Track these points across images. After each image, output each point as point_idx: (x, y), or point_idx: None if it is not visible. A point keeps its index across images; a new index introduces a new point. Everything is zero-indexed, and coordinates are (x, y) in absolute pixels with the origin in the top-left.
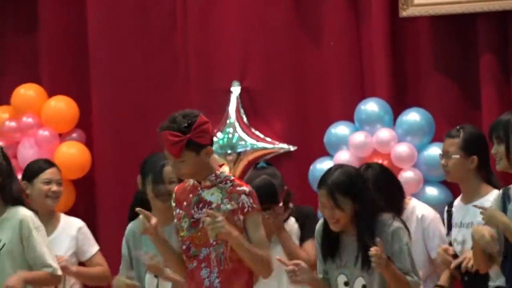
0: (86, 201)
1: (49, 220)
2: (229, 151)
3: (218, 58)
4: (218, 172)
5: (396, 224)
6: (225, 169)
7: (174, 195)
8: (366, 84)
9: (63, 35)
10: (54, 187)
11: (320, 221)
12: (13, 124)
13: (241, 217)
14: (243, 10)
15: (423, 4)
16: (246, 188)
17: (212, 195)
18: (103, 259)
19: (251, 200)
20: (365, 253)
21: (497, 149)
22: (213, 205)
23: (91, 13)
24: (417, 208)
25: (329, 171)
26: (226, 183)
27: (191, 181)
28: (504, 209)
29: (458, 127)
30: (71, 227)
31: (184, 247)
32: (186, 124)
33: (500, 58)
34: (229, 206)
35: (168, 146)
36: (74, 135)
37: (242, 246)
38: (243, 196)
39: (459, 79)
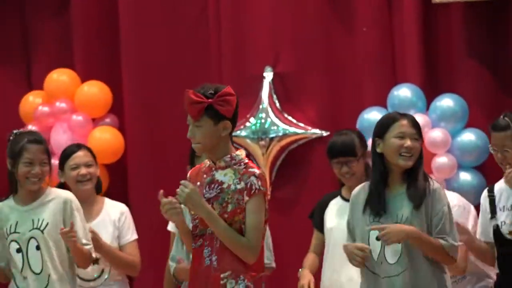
0: (119, 185)
1: (91, 205)
2: (261, 136)
3: (250, 44)
4: (234, 154)
5: (436, 184)
6: (242, 153)
7: (188, 176)
8: (399, 69)
9: (95, 20)
10: (82, 171)
11: (361, 186)
12: (46, 109)
13: (246, 198)
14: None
15: None
16: (257, 170)
17: (225, 176)
18: (137, 250)
19: (260, 183)
20: (414, 201)
21: None
22: (224, 185)
23: None
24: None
25: (394, 112)
26: (240, 165)
27: (207, 163)
28: None
29: (502, 117)
30: (114, 212)
31: (191, 225)
32: (211, 91)
33: None
34: (238, 186)
35: (188, 105)
36: (107, 120)
37: (214, 222)
38: (252, 178)
39: (492, 65)
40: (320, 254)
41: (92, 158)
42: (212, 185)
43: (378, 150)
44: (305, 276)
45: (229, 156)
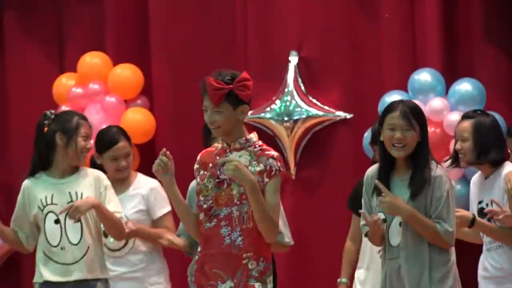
0: (149, 164)
1: (124, 179)
2: (286, 119)
3: (276, 28)
4: (248, 137)
5: (440, 171)
6: (255, 136)
7: (198, 159)
8: (419, 54)
9: (126, 5)
10: (122, 163)
11: (374, 166)
12: (79, 90)
13: (267, 179)
14: None
15: None
16: (274, 152)
17: (240, 157)
18: (172, 222)
19: (278, 164)
20: (412, 186)
21: None
22: (249, 164)
23: None
24: (505, 169)
25: (396, 101)
26: (255, 147)
27: (219, 145)
28: None
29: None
30: (144, 187)
31: (205, 206)
32: (229, 77)
33: None
34: (257, 168)
35: (210, 91)
36: (139, 101)
37: (257, 194)
38: (271, 160)
39: (510, 51)
40: (359, 240)
41: (130, 147)
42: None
43: (381, 138)
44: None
45: (244, 138)
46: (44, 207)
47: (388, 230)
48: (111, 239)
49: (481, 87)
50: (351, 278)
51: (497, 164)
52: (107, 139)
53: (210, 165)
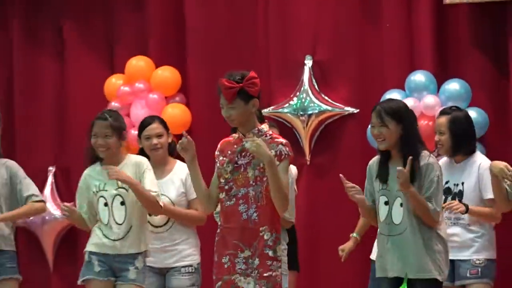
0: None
1: (164, 166)
2: (301, 113)
3: (293, 36)
4: (260, 127)
5: (431, 159)
6: (266, 127)
7: (218, 147)
8: (415, 58)
9: (165, 15)
10: (154, 141)
11: (376, 157)
12: (126, 89)
13: (277, 162)
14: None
15: None
16: (283, 140)
17: (249, 144)
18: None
19: (287, 149)
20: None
21: None
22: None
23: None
24: (478, 158)
25: (379, 101)
26: (266, 136)
27: (236, 135)
28: None
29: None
30: (182, 172)
31: (226, 187)
32: (239, 77)
33: None
34: (272, 153)
35: (224, 90)
36: (177, 98)
37: (275, 168)
38: (280, 146)
39: (493, 55)
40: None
41: (163, 129)
42: (243, 153)
43: None
44: (346, 245)
45: (256, 129)
46: (97, 192)
47: (390, 211)
48: (156, 218)
49: (467, 86)
50: (362, 236)
51: (469, 153)
52: (143, 122)
53: (229, 152)
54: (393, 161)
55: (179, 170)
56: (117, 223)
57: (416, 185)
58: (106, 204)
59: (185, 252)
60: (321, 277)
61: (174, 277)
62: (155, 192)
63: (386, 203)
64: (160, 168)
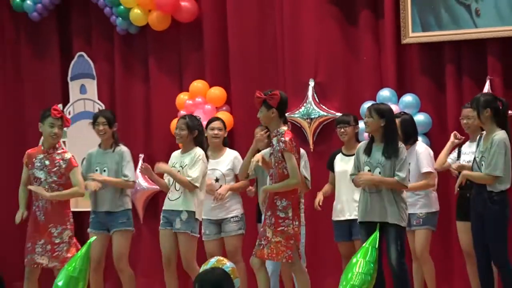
0: (230, 146)
1: (218, 151)
2: (307, 117)
3: (302, 65)
4: (279, 129)
5: (402, 145)
6: (284, 128)
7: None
8: (383, 80)
9: (215, 50)
10: (215, 131)
11: (362, 142)
12: (190, 102)
13: (279, 154)
14: (317, 38)
15: (415, 36)
16: (283, 138)
17: (274, 141)
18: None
19: (283, 145)
20: (385, 152)
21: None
22: (275, 145)
23: (231, 37)
24: (418, 145)
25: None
26: (279, 135)
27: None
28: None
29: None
30: (231, 155)
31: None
32: (268, 92)
33: (456, 67)
34: (277, 148)
35: (255, 99)
36: (224, 108)
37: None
38: (280, 143)
39: (434, 78)
40: (333, 184)
41: (222, 125)
42: (271, 146)
43: None
44: (318, 195)
45: (276, 130)
46: (173, 167)
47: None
48: (215, 186)
49: (417, 98)
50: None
51: (413, 143)
52: (211, 119)
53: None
54: (375, 143)
55: (229, 154)
56: (176, 189)
57: (393, 160)
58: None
59: (232, 207)
60: (322, 245)
61: (226, 224)
62: (190, 177)
63: (369, 170)
64: (216, 152)
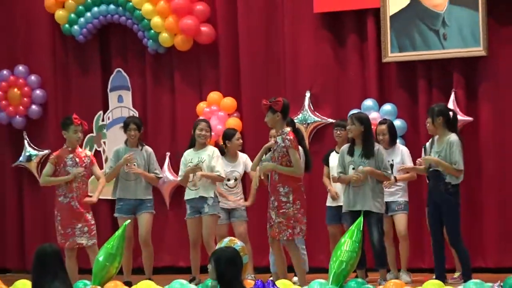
0: (243, 146)
1: (235, 155)
2: (304, 122)
3: (299, 80)
4: (283, 129)
5: (381, 147)
6: (288, 129)
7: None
8: (367, 92)
9: (228, 66)
10: (240, 141)
11: (345, 145)
12: (207, 109)
13: (284, 150)
14: (313, 57)
15: (393, 56)
16: (289, 137)
17: (279, 139)
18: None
19: (288, 143)
20: (364, 154)
21: (428, 121)
22: (279, 143)
23: (242, 56)
24: (401, 146)
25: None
26: (283, 134)
27: (273, 131)
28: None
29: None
30: (243, 158)
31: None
32: (272, 99)
33: (427, 81)
34: (282, 144)
35: (262, 106)
36: (235, 115)
37: (278, 168)
38: (286, 140)
39: (408, 90)
40: (328, 176)
41: (240, 137)
42: (275, 143)
43: None
44: (331, 191)
45: (281, 130)
46: (189, 163)
47: (355, 171)
48: (230, 182)
49: (395, 107)
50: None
51: (394, 144)
52: (229, 131)
53: (273, 140)
54: (356, 146)
55: (242, 158)
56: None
57: (374, 160)
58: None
59: (241, 201)
60: (316, 227)
61: (236, 212)
62: (218, 172)
63: (353, 169)
64: (233, 157)
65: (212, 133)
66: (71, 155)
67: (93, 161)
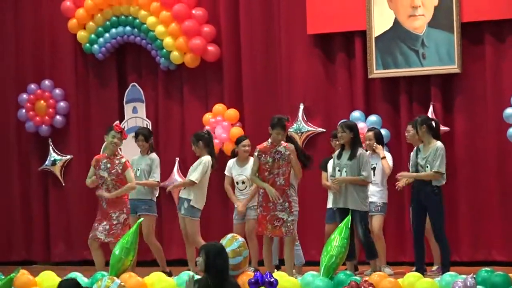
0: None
1: (245, 160)
2: (298, 131)
3: (294, 93)
4: (283, 141)
5: (363, 152)
6: (283, 141)
7: (257, 149)
8: (354, 104)
9: (232, 80)
10: (246, 147)
11: (337, 151)
12: (213, 119)
13: (291, 158)
14: (306, 73)
15: (378, 73)
16: (290, 145)
17: (283, 149)
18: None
19: (287, 152)
20: (349, 157)
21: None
22: (282, 152)
23: (244, 73)
24: (386, 153)
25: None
26: (282, 145)
27: (269, 142)
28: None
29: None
30: (251, 162)
31: (266, 172)
32: (285, 118)
33: (408, 95)
34: (286, 153)
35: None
36: (238, 124)
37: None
38: (287, 151)
39: (393, 103)
40: (327, 180)
41: (249, 143)
42: (277, 153)
43: None
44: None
45: (282, 142)
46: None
47: (341, 174)
48: (240, 185)
49: (380, 118)
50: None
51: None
52: (240, 139)
53: (269, 152)
54: (345, 150)
55: (250, 162)
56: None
57: (357, 163)
58: None
59: (251, 202)
60: (309, 225)
61: (250, 210)
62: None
63: (339, 170)
64: (243, 160)
65: (216, 141)
66: (105, 160)
67: (126, 167)
